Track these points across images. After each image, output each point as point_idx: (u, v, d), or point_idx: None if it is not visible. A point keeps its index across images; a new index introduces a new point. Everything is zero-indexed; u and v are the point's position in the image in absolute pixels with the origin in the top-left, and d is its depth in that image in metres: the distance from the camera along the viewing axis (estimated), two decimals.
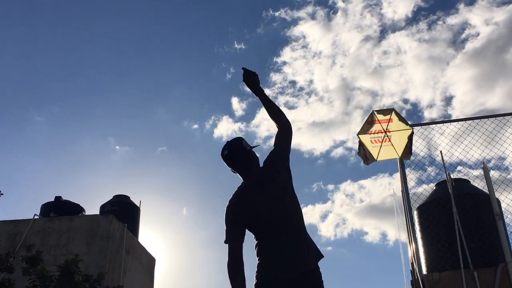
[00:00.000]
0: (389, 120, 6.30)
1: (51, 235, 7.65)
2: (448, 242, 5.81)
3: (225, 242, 2.74)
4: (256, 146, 3.00)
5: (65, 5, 20.32)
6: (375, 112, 6.41)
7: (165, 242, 18.17)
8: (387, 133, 6.29)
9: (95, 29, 20.99)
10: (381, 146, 6.31)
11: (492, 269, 5.38)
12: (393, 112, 6.36)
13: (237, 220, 2.75)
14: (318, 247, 2.78)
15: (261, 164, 2.94)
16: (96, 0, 21.01)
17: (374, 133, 6.35)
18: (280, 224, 2.68)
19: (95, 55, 21.14)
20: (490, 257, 5.62)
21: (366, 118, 6.49)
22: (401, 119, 6.31)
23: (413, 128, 6.33)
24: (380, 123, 6.36)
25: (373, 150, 6.38)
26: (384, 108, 6.55)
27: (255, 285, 2.64)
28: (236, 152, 2.91)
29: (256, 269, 2.70)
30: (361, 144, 6.42)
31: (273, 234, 2.67)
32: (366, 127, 6.41)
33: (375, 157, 6.39)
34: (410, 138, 6.29)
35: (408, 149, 6.25)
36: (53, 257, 7.17)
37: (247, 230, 2.78)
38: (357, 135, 6.48)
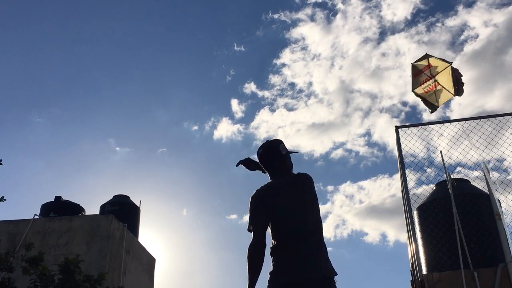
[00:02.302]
0: (429, 66, 6.56)
1: (51, 235, 7.65)
2: (448, 242, 5.81)
3: (250, 229, 2.75)
4: (295, 152, 3.06)
5: (66, 6, 20.32)
6: (414, 64, 6.65)
7: (165, 243, 18.19)
8: (434, 78, 6.58)
9: (96, 31, 21.00)
10: (435, 92, 6.67)
11: (492, 269, 5.38)
12: (428, 57, 6.60)
13: (265, 209, 2.77)
14: None
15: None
16: (97, 2, 21.02)
17: (423, 83, 6.70)
18: (305, 228, 2.71)
19: (95, 56, 21.16)
20: (490, 257, 5.62)
21: (410, 72, 6.70)
22: (437, 59, 6.53)
23: (451, 63, 6.51)
24: (423, 72, 6.65)
25: (431, 98, 6.74)
26: (419, 57, 6.70)
27: (270, 283, 2.63)
28: (269, 154, 2.96)
29: (271, 269, 2.69)
30: (419, 96, 6.70)
31: (295, 237, 2.68)
32: (415, 80, 6.77)
33: (437, 104, 6.71)
34: (454, 72, 6.49)
35: (456, 84, 6.46)
36: (53, 257, 7.17)
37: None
38: (412, 91, 6.74)
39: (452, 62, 6.53)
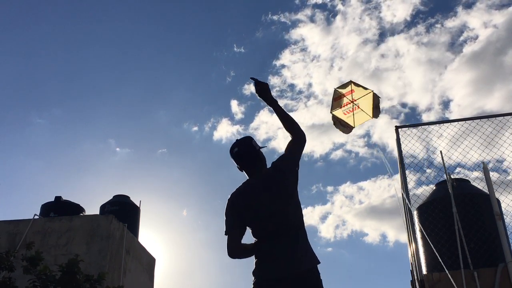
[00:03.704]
0: (351, 91, 6.83)
1: (51, 235, 7.65)
2: (448, 242, 5.81)
3: (225, 233, 2.79)
4: (264, 147, 3.05)
5: (66, 7, 20.34)
6: (337, 89, 6.88)
7: (165, 243, 18.20)
8: (354, 102, 6.84)
9: (96, 31, 21.02)
10: (353, 114, 6.92)
11: (492, 269, 5.38)
12: (351, 84, 6.97)
13: (238, 213, 2.80)
14: (318, 248, 2.82)
15: (269, 165, 2.96)
16: (97, 3, 21.03)
17: (344, 106, 6.95)
18: (281, 225, 2.71)
19: (96, 57, 21.18)
20: (490, 257, 5.62)
21: (332, 96, 7.08)
22: (359, 86, 6.80)
23: (372, 90, 6.91)
24: (345, 96, 7.01)
25: (348, 120, 7.02)
26: (343, 83, 7.15)
27: (253, 283, 2.68)
28: (245, 150, 2.94)
29: (253, 268, 2.73)
30: (336, 119, 7.02)
31: (272, 234, 2.70)
32: (335, 103, 7.02)
33: (353, 125, 7.03)
34: (374, 98, 6.87)
35: (375, 107, 6.72)
36: (53, 257, 7.17)
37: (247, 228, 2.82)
38: (331, 112, 7.07)
39: (372, 90, 6.89)
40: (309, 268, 2.64)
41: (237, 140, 3.03)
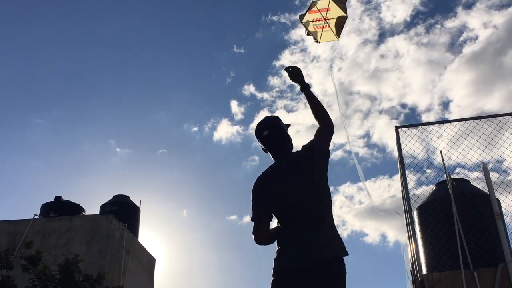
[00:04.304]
0: (328, 9, 6.69)
1: (51, 235, 7.64)
2: (448, 242, 5.81)
3: (252, 219, 2.68)
4: (289, 125, 2.95)
5: (66, 7, 20.35)
6: (315, 3, 6.78)
7: (165, 243, 18.19)
8: (327, 20, 6.71)
9: (96, 32, 21.03)
10: (322, 31, 6.76)
11: (492, 269, 5.38)
12: (330, 1, 6.70)
13: (264, 198, 2.69)
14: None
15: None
16: (97, 3, 21.05)
17: (315, 20, 6.83)
18: (308, 210, 2.60)
19: (96, 57, 21.19)
20: (490, 257, 5.61)
21: (306, 9, 6.82)
22: (339, 5, 6.61)
23: (347, 15, 6.67)
24: (320, 12, 6.77)
25: (315, 34, 6.80)
26: None
27: (273, 272, 2.58)
28: (275, 134, 2.83)
29: (275, 256, 2.63)
30: (305, 27, 6.84)
31: (297, 220, 2.59)
32: (308, 15, 6.83)
33: (318, 40, 6.80)
34: (345, 21, 6.63)
35: (340, 28, 6.64)
36: (53, 257, 7.16)
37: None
38: (300, 21, 6.83)
39: (347, 16, 6.65)
40: (334, 256, 2.52)
41: (264, 120, 2.90)
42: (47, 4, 20.49)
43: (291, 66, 3.11)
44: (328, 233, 2.59)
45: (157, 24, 22.00)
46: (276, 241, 2.68)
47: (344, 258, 2.59)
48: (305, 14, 6.76)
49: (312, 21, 6.71)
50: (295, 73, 3.09)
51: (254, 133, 2.93)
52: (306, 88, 3.06)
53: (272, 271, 2.59)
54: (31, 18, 20.13)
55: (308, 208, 2.62)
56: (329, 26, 6.64)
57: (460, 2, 21.51)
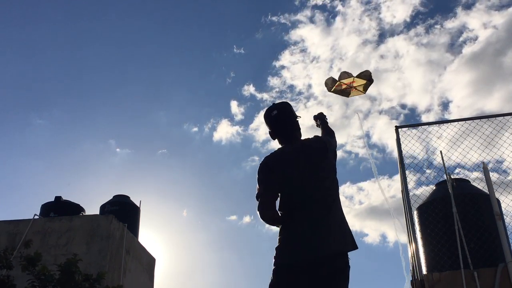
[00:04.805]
0: (353, 81, 6.81)
1: (51, 235, 7.64)
2: (448, 242, 5.81)
3: (258, 196, 2.62)
4: (299, 117, 2.98)
5: (66, 6, 20.36)
6: (341, 81, 6.88)
7: (165, 243, 18.19)
8: (353, 87, 6.90)
9: (96, 31, 21.04)
10: (349, 93, 6.96)
11: (492, 269, 5.38)
12: (353, 77, 6.84)
13: (272, 177, 2.64)
14: None
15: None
16: (97, 3, 21.06)
17: (342, 90, 6.96)
18: (316, 196, 2.55)
19: (96, 58, 21.20)
20: (490, 257, 5.62)
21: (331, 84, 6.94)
22: (361, 78, 6.74)
23: (373, 80, 6.76)
24: (346, 84, 6.95)
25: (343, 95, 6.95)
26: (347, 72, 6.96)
27: (274, 261, 2.52)
28: (284, 116, 2.86)
29: (277, 245, 2.55)
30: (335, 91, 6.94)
31: (306, 205, 2.53)
32: (335, 88, 6.93)
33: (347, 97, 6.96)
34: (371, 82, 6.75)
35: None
36: (53, 257, 7.16)
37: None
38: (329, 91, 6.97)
39: (373, 81, 6.78)
40: (341, 250, 2.45)
41: (275, 103, 2.92)
42: (47, 4, 20.52)
43: (318, 114, 3.46)
44: (335, 226, 2.52)
45: (157, 24, 22.02)
46: (279, 228, 2.62)
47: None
48: (332, 87, 6.96)
49: (339, 91, 6.96)
50: (320, 116, 3.44)
51: (263, 117, 2.96)
52: (325, 122, 3.38)
53: (274, 259, 2.52)
54: (31, 18, 20.15)
55: (318, 194, 2.57)
56: (355, 88, 6.89)
57: (460, 3, 21.52)
